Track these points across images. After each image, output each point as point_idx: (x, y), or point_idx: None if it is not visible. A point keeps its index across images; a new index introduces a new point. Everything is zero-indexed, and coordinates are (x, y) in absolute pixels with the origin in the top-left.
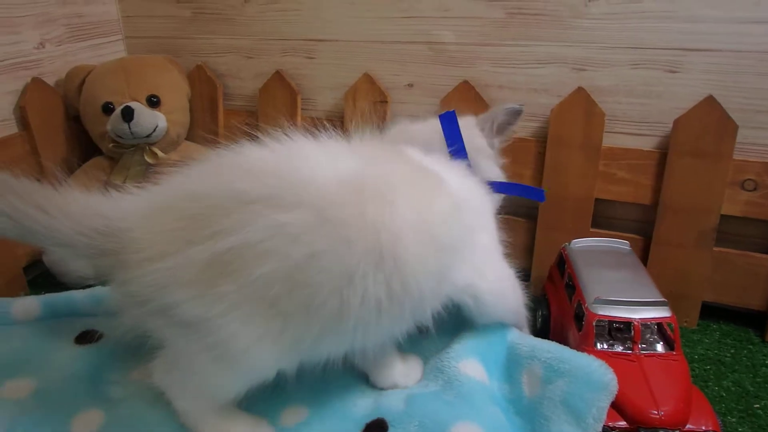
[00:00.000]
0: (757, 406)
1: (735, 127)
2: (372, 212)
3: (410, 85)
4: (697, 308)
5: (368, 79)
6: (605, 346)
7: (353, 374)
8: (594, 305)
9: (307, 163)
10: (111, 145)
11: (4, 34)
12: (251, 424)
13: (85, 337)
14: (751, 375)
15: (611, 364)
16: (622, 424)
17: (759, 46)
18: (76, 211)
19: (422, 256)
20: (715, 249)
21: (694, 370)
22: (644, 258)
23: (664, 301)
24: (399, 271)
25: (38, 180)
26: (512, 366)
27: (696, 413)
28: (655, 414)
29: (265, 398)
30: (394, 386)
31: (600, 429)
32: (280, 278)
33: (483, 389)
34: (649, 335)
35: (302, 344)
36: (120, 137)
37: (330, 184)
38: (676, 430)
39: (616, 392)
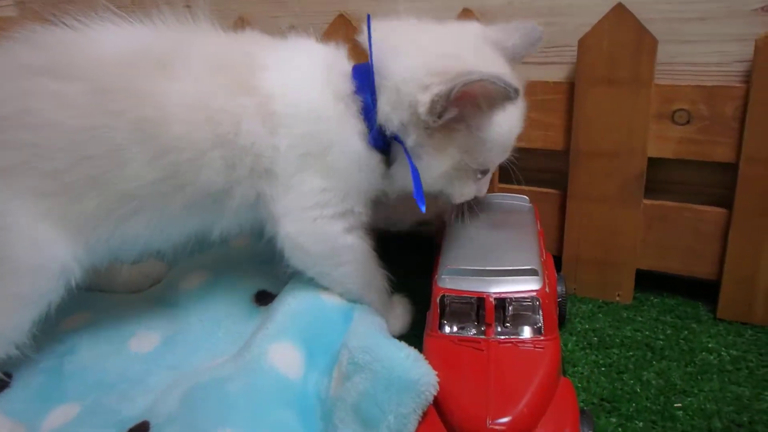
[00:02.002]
0: (679, 405)
1: (654, 42)
2: (142, 85)
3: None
4: (630, 278)
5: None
6: (455, 330)
7: (151, 355)
8: (443, 277)
9: (95, 41)
10: None
11: None
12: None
13: None
14: (684, 363)
15: (452, 354)
16: None
17: None
18: None
19: (191, 141)
20: (646, 202)
21: (610, 358)
22: (561, 217)
23: (533, 269)
24: (164, 149)
25: None
26: (337, 351)
27: (550, 418)
28: (482, 425)
29: (36, 392)
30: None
31: None
32: (60, 148)
33: (285, 386)
34: (517, 314)
35: (96, 227)
36: None
37: (110, 57)
38: None
39: (433, 393)
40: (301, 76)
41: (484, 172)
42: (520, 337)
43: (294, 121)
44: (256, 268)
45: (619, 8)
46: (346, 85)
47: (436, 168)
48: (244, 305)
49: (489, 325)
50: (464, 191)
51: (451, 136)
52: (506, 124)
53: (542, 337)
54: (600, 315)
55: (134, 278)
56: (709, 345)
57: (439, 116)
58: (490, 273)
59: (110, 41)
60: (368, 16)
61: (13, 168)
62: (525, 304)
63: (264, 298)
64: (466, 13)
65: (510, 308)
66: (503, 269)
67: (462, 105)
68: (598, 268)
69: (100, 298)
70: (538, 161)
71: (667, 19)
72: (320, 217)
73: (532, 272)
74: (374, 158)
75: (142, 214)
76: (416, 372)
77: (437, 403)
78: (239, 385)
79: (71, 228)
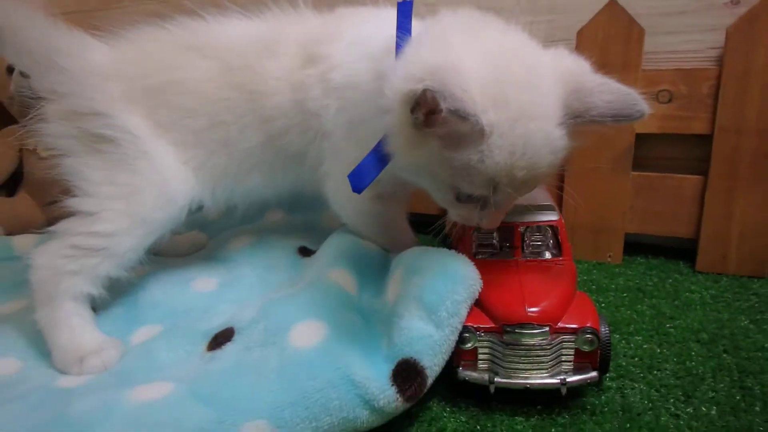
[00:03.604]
0: (670, 326)
1: (641, 32)
2: (254, 63)
3: None
4: (620, 241)
5: None
6: (487, 256)
7: (214, 293)
8: None
9: (226, 28)
10: (18, 107)
11: None
12: (101, 339)
13: None
14: (671, 300)
15: (486, 270)
16: (489, 325)
17: None
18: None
19: (281, 109)
20: (634, 173)
21: (607, 299)
22: (559, 188)
23: (550, 204)
24: (266, 117)
25: None
26: (384, 280)
27: (573, 312)
28: (520, 310)
29: (118, 318)
30: None
31: (457, 325)
32: (202, 113)
33: (345, 297)
34: (538, 242)
35: (223, 177)
36: (23, 95)
37: (236, 41)
38: (545, 326)
39: (479, 289)
40: (359, 49)
41: (482, 200)
42: (542, 258)
43: (343, 89)
44: (295, 232)
45: (612, 3)
46: (388, 61)
47: (403, 158)
48: (290, 256)
49: (516, 248)
50: (450, 207)
51: (425, 139)
52: (488, 159)
53: (561, 258)
54: (595, 271)
55: (182, 245)
56: (692, 287)
57: (411, 112)
58: (515, 209)
59: (235, 29)
60: (400, 5)
61: (168, 123)
62: (549, 232)
63: (306, 252)
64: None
65: (534, 235)
66: (525, 205)
67: (432, 120)
68: (591, 233)
69: (158, 259)
70: None
71: (653, 14)
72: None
73: (550, 207)
74: None
75: (256, 170)
76: (466, 268)
77: (481, 303)
78: (309, 294)
79: (204, 177)
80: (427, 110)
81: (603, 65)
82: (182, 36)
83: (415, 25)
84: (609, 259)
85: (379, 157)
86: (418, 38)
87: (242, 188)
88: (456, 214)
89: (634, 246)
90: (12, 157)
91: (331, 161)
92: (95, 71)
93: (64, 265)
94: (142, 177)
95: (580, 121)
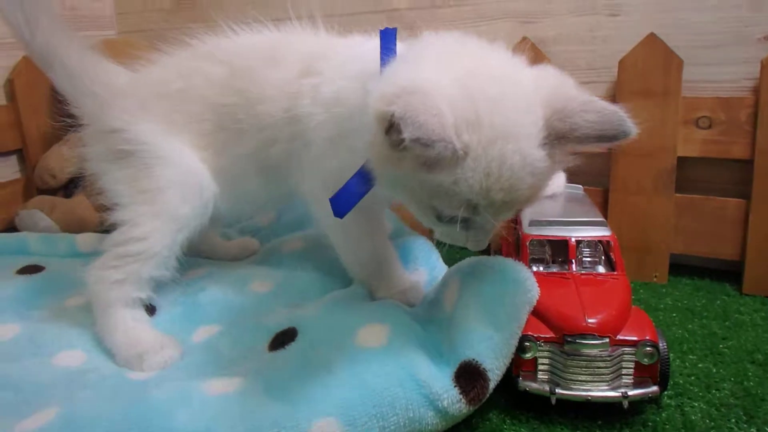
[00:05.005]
0: (723, 346)
1: (680, 63)
2: (257, 70)
3: None
4: (665, 261)
5: None
6: (541, 269)
7: (270, 294)
8: (529, 228)
9: (240, 37)
10: None
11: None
12: (159, 338)
13: (28, 270)
14: (721, 320)
15: (543, 283)
16: (549, 335)
17: None
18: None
19: (274, 118)
20: (677, 195)
21: (657, 318)
22: (604, 209)
23: (602, 220)
24: (261, 125)
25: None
26: (436, 291)
27: (632, 325)
28: (581, 322)
29: (178, 318)
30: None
31: (516, 329)
32: (207, 118)
33: (399, 307)
34: (590, 257)
35: (226, 180)
36: None
37: (244, 48)
38: (605, 337)
39: (537, 295)
40: (349, 67)
41: (465, 221)
42: (596, 272)
43: (330, 104)
44: None
45: (652, 36)
46: (374, 82)
47: (381, 178)
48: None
49: (571, 262)
50: (433, 226)
51: (400, 159)
52: (461, 182)
53: (615, 273)
54: (642, 290)
55: (236, 250)
56: (740, 309)
57: (385, 133)
58: (568, 223)
59: (248, 37)
60: (383, 31)
61: (183, 125)
62: (601, 248)
63: None
64: (525, 42)
65: (586, 250)
66: (577, 220)
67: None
68: (636, 253)
69: (212, 262)
70: (582, 163)
71: (690, 46)
72: (326, 191)
73: (602, 223)
74: None
75: (253, 174)
76: (523, 274)
77: (540, 313)
78: (373, 302)
79: (216, 177)
80: (398, 133)
81: (645, 92)
82: (199, 47)
83: (400, 47)
84: (655, 279)
85: (362, 180)
86: (399, 58)
87: (240, 192)
88: (440, 233)
89: (679, 267)
90: (74, 161)
91: (310, 172)
92: (116, 92)
93: (111, 275)
94: (161, 179)
95: (564, 143)
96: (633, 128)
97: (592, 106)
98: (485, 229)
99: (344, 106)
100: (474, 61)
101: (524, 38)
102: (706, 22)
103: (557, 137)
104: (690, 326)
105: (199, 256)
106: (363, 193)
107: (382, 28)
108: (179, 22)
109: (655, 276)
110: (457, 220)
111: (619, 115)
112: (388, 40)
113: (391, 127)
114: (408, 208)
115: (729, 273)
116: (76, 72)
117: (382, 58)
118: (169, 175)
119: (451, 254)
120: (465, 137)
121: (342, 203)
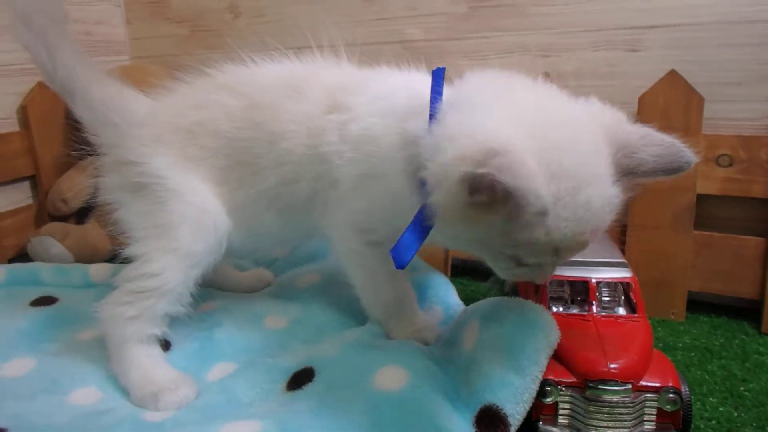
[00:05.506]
0: (744, 388)
1: (701, 100)
2: (277, 103)
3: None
4: (683, 298)
5: None
6: (560, 309)
7: (285, 331)
8: None
9: (259, 68)
10: None
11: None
12: (174, 377)
13: (42, 302)
14: (741, 361)
15: (563, 324)
16: (570, 380)
17: (716, 17)
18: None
19: (295, 155)
20: (696, 232)
21: (675, 357)
22: (622, 245)
23: (623, 261)
24: (281, 161)
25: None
26: (454, 330)
27: (654, 370)
28: (603, 367)
29: (194, 355)
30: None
31: (538, 374)
32: (225, 154)
33: (417, 347)
34: (610, 298)
35: (242, 215)
36: None
37: (264, 80)
38: (628, 383)
39: (558, 338)
40: (381, 104)
41: (537, 263)
42: (616, 314)
43: (360, 141)
44: None
45: (673, 73)
46: (417, 123)
47: (453, 231)
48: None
49: (591, 303)
50: (505, 272)
51: (484, 217)
52: (554, 232)
53: (635, 315)
54: (659, 328)
55: (250, 281)
56: (760, 349)
57: (469, 194)
58: (588, 264)
59: (270, 67)
60: (435, 71)
61: (200, 159)
62: (621, 289)
63: None
64: (545, 77)
65: (606, 291)
66: (598, 261)
67: (493, 196)
68: (654, 289)
69: (226, 294)
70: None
71: (711, 83)
72: (351, 230)
73: (623, 264)
74: (414, 200)
75: (270, 210)
76: (543, 317)
77: (560, 356)
78: (384, 342)
79: (231, 213)
80: (488, 194)
81: (665, 129)
82: (218, 77)
83: (444, 88)
84: (672, 316)
85: (420, 228)
86: (455, 105)
87: (256, 228)
88: (510, 275)
89: (697, 304)
90: (86, 188)
91: (336, 211)
92: (134, 122)
93: (125, 311)
94: (175, 214)
95: (632, 178)
96: (693, 157)
97: (651, 140)
98: (557, 265)
99: (376, 144)
100: (532, 104)
101: (545, 73)
102: (727, 59)
103: (625, 173)
104: (709, 367)
105: (211, 286)
106: (421, 242)
107: (420, 65)
108: (194, 49)
109: (673, 313)
110: (539, 263)
111: (678, 146)
112: (437, 81)
113: (478, 188)
114: (479, 256)
115: (747, 311)
116: (97, 103)
117: (432, 100)
118: (183, 211)
119: (465, 291)
120: (553, 188)
121: (401, 255)
